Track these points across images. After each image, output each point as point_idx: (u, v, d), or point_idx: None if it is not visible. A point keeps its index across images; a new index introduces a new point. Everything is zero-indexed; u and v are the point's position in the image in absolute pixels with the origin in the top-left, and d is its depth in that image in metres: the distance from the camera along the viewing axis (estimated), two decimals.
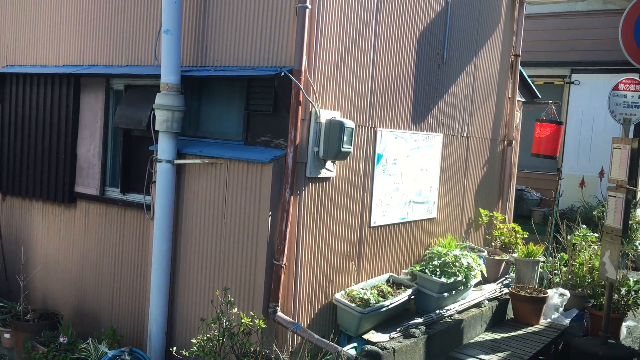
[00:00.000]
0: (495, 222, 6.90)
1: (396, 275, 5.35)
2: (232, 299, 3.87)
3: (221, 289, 4.22)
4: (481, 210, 6.76)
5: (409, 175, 5.55)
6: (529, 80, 7.91)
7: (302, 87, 4.20)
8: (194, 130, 4.93)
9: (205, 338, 3.67)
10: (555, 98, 10.97)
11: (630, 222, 10.55)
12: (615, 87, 6.17)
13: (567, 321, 6.19)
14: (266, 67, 4.39)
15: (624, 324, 6.66)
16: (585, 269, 6.79)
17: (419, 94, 5.57)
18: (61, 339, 4.92)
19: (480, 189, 6.84)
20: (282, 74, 4.16)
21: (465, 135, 6.44)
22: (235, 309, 3.93)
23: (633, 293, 6.53)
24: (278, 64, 4.35)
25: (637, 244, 10.42)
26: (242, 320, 3.59)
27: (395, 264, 5.55)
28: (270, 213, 4.24)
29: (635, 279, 6.72)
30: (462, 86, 6.26)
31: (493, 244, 6.83)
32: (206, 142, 4.76)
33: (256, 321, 3.61)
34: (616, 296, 6.40)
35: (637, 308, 6.52)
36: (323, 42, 4.42)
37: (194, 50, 4.81)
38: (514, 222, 9.28)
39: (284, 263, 4.24)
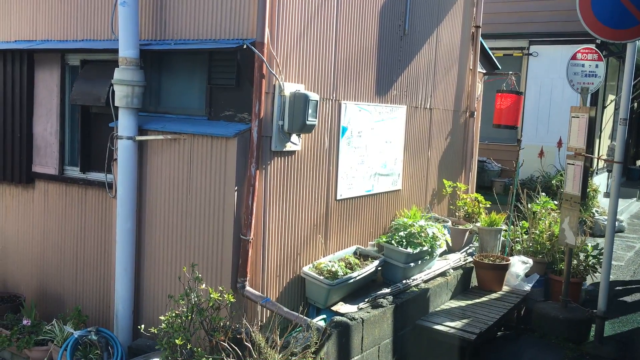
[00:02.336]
0: (458, 192, 7.00)
1: (363, 247, 5.40)
2: (200, 275, 3.84)
3: (188, 266, 4.20)
4: (445, 181, 6.85)
5: (373, 147, 5.57)
6: (489, 51, 7.99)
7: (265, 60, 4.14)
8: (155, 105, 4.83)
9: (173, 314, 3.64)
10: (514, 70, 11.08)
11: (587, 189, 10.89)
12: (573, 57, 6.30)
13: (529, 287, 6.36)
14: (228, 39, 4.30)
15: (583, 288, 6.89)
16: (545, 236, 6.98)
17: (382, 66, 5.57)
18: (25, 322, 4.82)
19: (443, 160, 6.92)
20: (245, 47, 4.09)
21: (428, 107, 6.48)
22: (204, 285, 3.91)
23: (591, 258, 6.76)
24: (240, 36, 4.27)
25: (594, 210, 10.76)
26: (211, 296, 3.57)
27: (362, 236, 5.59)
28: (236, 188, 4.20)
29: (592, 244, 6.95)
30: (424, 58, 6.28)
31: (457, 214, 6.94)
32: (168, 118, 4.67)
33: (225, 296, 3.59)
34: (575, 261, 6.61)
35: (595, 272, 6.75)
36: (285, 13, 4.36)
37: (153, 23, 4.68)
38: (476, 193, 9.46)
39: (251, 238, 4.22)
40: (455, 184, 6.95)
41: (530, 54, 12.06)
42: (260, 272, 4.38)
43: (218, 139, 4.25)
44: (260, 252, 4.36)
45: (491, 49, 11.85)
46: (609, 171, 11.45)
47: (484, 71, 7.83)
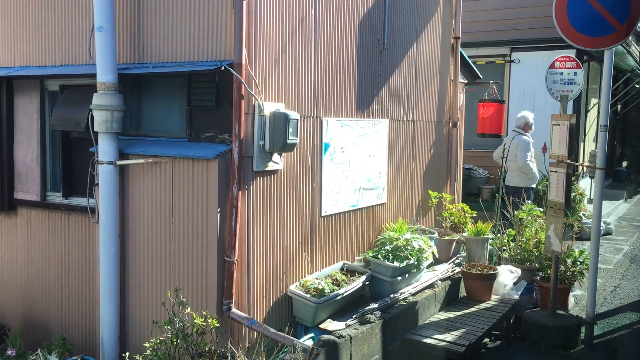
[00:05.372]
0: (444, 203, 7.02)
1: (350, 263, 5.39)
2: (184, 300, 3.81)
3: (173, 290, 4.17)
4: (430, 192, 6.86)
5: (357, 162, 5.58)
6: (469, 61, 8.05)
7: (243, 81, 4.14)
8: (136, 129, 4.81)
9: (158, 341, 3.61)
10: (497, 77, 11.21)
11: (574, 193, 10.95)
12: (552, 65, 6.36)
13: (517, 295, 6.37)
14: (206, 61, 4.31)
15: (571, 294, 6.91)
16: (532, 243, 7.00)
17: (362, 81, 5.59)
18: (9, 352, 4.75)
19: (428, 172, 6.95)
20: (223, 68, 4.09)
21: (410, 119, 6.50)
22: (189, 309, 3.88)
23: (578, 264, 6.78)
24: (218, 57, 4.28)
25: (581, 214, 10.82)
26: (195, 321, 3.54)
27: (349, 251, 5.58)
28: (218, 210, 4.19)
29: (580, 250, 6.98)
30: (405, 71, 6.31)
31: (443, 224, 6.95)
32: (149, 141, 4.65)
33: (209, 321, 3.57)
34: (563, 267, 6.63)
35: (583, 278, 6.78)
36: (263, 33, 4.37)
37: (131, 46, 4.68)
38: (463, 200, 9.47)
39: (235, 259, 4.21)
40: (440, 195, 6.97)
41: (512, 61, 12.18)
42: (246, 293, 4.35)
43: (199, 161, 4.24)
44: (245, 273, 4.34)
45: (473, 56, 11.98)
46: (592, 177, 11.52)
47: (466, 81, 7.88)
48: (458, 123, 7.46)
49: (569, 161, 5.87)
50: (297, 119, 4.43)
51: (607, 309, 7.05)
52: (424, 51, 6.67)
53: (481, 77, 8.39)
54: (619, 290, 7.83)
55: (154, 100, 4.74)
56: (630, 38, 12.89)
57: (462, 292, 6.37)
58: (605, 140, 5.77)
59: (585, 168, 11.94)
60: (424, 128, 6.79)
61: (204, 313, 3.70)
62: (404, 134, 6.39)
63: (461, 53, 7.56)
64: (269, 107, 4.39)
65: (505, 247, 7.22)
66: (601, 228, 10.95)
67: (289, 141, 4.35)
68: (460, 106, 7.56)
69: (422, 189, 6.83)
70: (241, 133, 4.19)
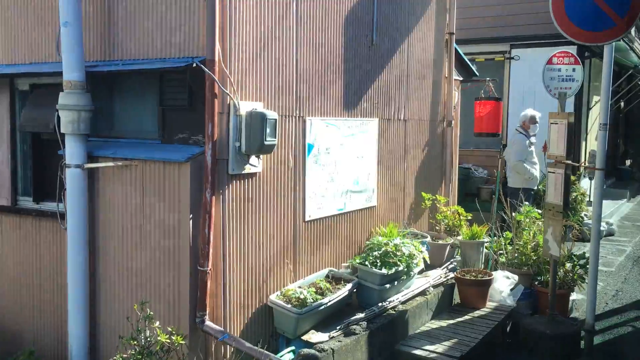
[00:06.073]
0: (438, 205, 6.75)
1: (336, 270, 5.13)
2: (151, 313, 3.56)
3: (146, 300, 3.92)
4: (424, 194, 6.59)
5: (344, 164, 5.32)
6: (465, 58, 7.77)
7: (216, 78, 3.89)
8: (108, 130, 4.57)
9: (121, 358, 3.36)
10: (496, 74, 10.93)
11: (575, 193, 10.66)
12: (549, 61, 6.08)
13: (514, 301, 6.10)
14: (178, 58, 4.06)
15: (571, 298, 6.64)
16: (529, 247, 6.72)
17: (349, 79, 5.33)
18: None
19: (421, 173, 6.68)
20: (194, 65, 3.84)
21: (402, 118, 6.24)
22: (157, 323, 3.63)
23: (578, 268, 6.51)
24: (191, 54, 4.03)
25: (582, 215, 10.52)
26: (158, 338, 3.29)
27: (336, 257, 5.32)
28: (191, 216, 3.94)
29: (579, 253, 6.71)
30: (396, 68, 6.05)
31: (437, 228, 6.69)
32: (121, 143, 4.41)
33: (173, 338, 3.32)
34: (562, 271, 6.36)
35: (583, 282, 6.50)
36: (239, 28, 4.11)
37: (101, 43, 4.44)
38: (461, 201, 9.20)
39: (209, 268, 3.95)
40: (434, 197, 6.70)
41: (512, 58, 11.91)
42: (221, 305, 4.09)
43: (170, 164, 4.00)
44: (220, 282, 4.08)
45: (472, 53, 11.71)
46: (591, 178, 11.24)
47: (461, 78, 7.61)
48: (453, 122, 7.18)
49: (567, 161, 5.60)
50: (276, 119, 4.17)
51: (609, 315, 6.77)
52: (416, 47, 6.40)
53: (477, 74, 8.11)
54: (621, 294, 7.55)
55: (127, 100, 4.50)
56: (633, 34, 12.59)
57: (457, 298, 6.10)
58: (605, 140, 5.50)
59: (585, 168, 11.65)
60: (416, 127, 6.52)
61: (169, 329, 3.45)
62: (395, 134, 6.12)
63: (456, 49, 7.28)
64: (246, 107, 4.13)
65: (502, 251, 6.95)
66: (603, 229, 10.78)
67: (266, 142, 4.09)
68: (455, 104, 7.28)
69: (415, 191, 6.56)
70: (214, 134, 3.93)
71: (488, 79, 7.34)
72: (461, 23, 11.17)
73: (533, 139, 8.45)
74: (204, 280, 3.94)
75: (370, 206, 5.76)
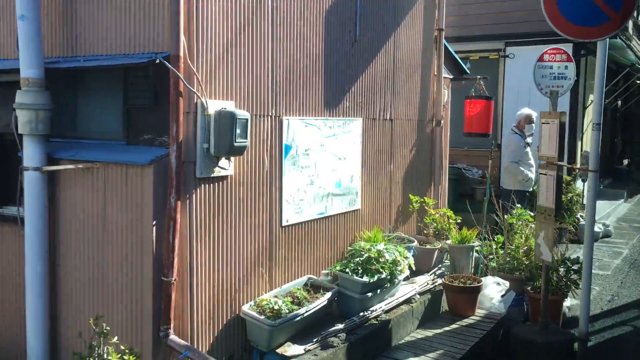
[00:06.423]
0: (427, 208, 6.49)
1: (316, 278, 4.87)
2: (107, 328, 3.31)
3: (106, 313, 3.68)
4: (411, 196, 6.34)
5: (325, 165, 5.06)
6: (455, 55, 7.51)
7: (181, 75, 3.63)
8: (72, 130, 4.31)
9: None
10: (491, 72, 10.68)
11: (570, 194, 10.41)
12: (541, 58, 5.82)
13: (505, 309, 5.85)
14: (142, 54, 3.80)
15: (565, 304, 6.39)
16: (521, 251, 6.47)
17: (330, 76, 5.07)
18: None
19: (409, 174, 6.42)
20: (157, 61, 3.59)
21: (388, 117, 5.98)
22: (116, 338, 3.38)
23: (572, 272, 6.26)
24: (156, 49, 3.77)
25: (578, 216, 10.28)
26: (109, 358, 3.04)
27: (316, 264, 5.06)
28: (154, 222, 3.68)
29: (574, 257, 6.45)
30: (381, 66, 5.79)
31: (425, 231, 6.44)
32: (83, 144, 4.15)
33: (125, 357, 3.06)
34: (555, 277, 6.11)
35: (577, 287, 6.25)
36: (207, 22, 3.85)
37: (63, 38, 4.18)
38: (455, 201, 8.95)
39: (174, 278, 3.70)
40: (422, 199, 6.44)
41: (507, 56, 11.66)
42: (188, 317, 3.83)
43: (133, 167, 3.74)
44: (187, 293, 3.82)
45: (466, 51, 11.46)
46: (584, 180, 10.98)
47: (451, 76, 7.35)
48: (442, 121, 6.92)
49: (559, 163, 5.35)
50: (247, 119, 3.91)
51: (604, 320, 6.53)
52: (403, 44, 6.14)
53: (468, 72, 7.85)
54: (617, 299, 7.30)
55: (91, 99, 4.24)
56: (630, 32, 12.33)
57: (445, 305, 5.85)
58: (598, 140, 5.26)
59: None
60: (403, 127, 6.26)
61: (122, 347, 3.19)
62: (380, 134, 5.87)
63: (446, 46, 7.02)
64: (215, 106, 3.87)
65: (493, 256, 6.69)
66: (600, 230, 10.53)
67: (236, 144, 3.83)
68: (445, 103, 7.02)
69: (402, 194, 6.30)
70: (180, 135, 3.68)
71: (479, 77, 7.08)
72: (455, 20, 10.94)
73: (529, 139, 8.20)
74: (168, 291, 3.68)
75: (353, 210, 5.50)
